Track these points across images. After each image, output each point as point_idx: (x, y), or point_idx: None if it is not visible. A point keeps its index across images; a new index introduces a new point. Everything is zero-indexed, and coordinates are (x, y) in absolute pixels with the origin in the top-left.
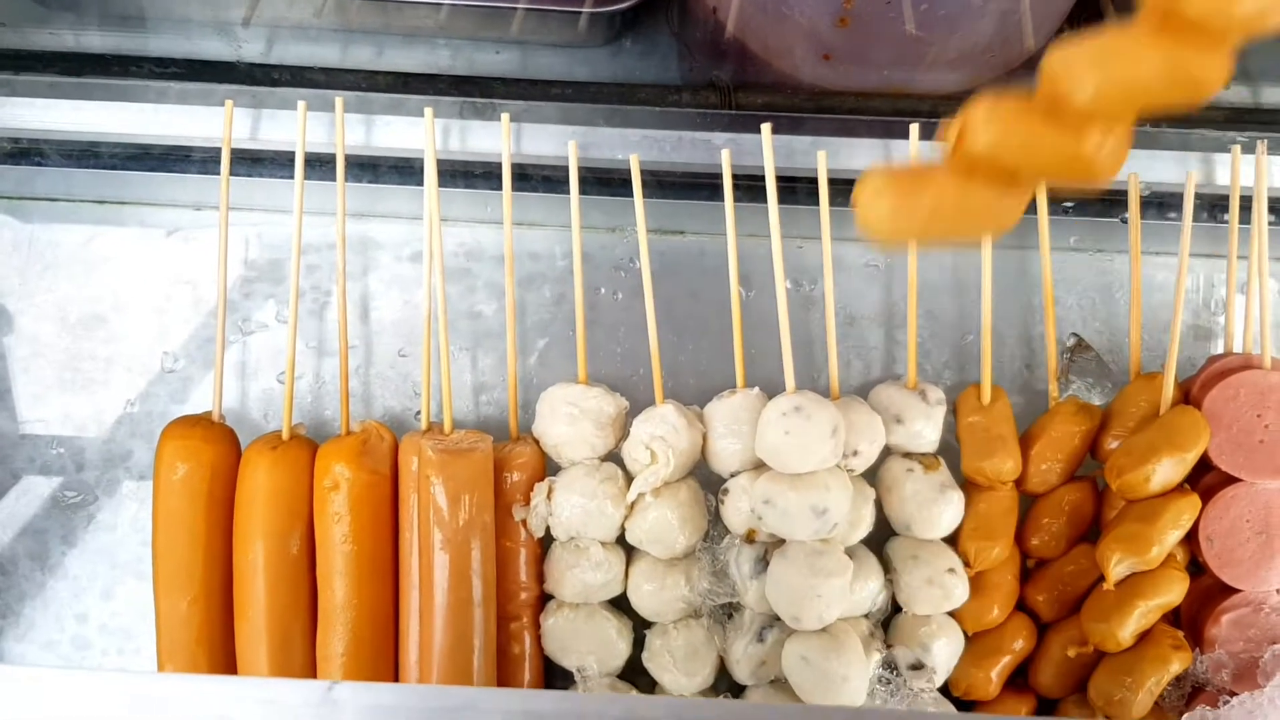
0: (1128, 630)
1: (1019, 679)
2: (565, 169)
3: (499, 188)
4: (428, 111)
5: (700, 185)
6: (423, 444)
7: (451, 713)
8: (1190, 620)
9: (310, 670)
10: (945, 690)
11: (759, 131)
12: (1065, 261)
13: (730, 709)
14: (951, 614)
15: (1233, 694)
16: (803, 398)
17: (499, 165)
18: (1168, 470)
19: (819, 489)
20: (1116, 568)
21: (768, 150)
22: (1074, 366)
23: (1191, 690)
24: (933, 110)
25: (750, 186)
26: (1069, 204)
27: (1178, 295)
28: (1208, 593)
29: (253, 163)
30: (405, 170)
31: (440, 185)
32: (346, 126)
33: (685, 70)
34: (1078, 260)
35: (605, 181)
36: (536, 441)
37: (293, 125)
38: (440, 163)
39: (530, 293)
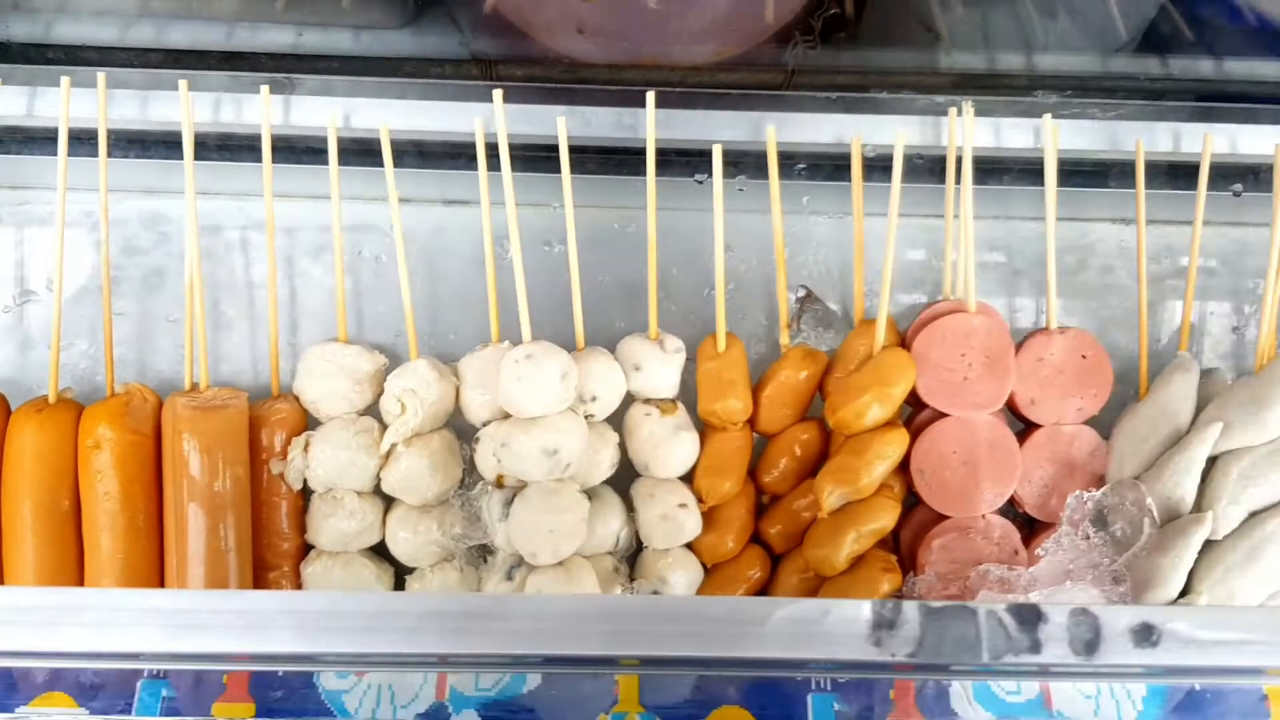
0: (842, 555)
1: None
2: (342, 141)
3: (281, 162)
4: (182, 84)
5: (464, 155)
6: (178, 402)
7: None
8: (910, 547)
9: None
10: None
11: (517, 102)
12: (809, 224)
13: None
14: (691, 548)
15: None
16: (535, 346)
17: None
18: (876, 406)
19: (550, 431)
20: (830, 497)
21: (500, 117)
22: (805, 316)
23: None
24: (682, 80)
25: (519, 156)
26: (802, 167)
27: (889, 249)
28: (923, 521)
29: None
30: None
31: (217, 160)
32: (121, 102)
33: (463, 48)
34: (819, 222)
35: (371, 153)
36: (297, 399)
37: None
38: (217, 137)
39: (311, 261)
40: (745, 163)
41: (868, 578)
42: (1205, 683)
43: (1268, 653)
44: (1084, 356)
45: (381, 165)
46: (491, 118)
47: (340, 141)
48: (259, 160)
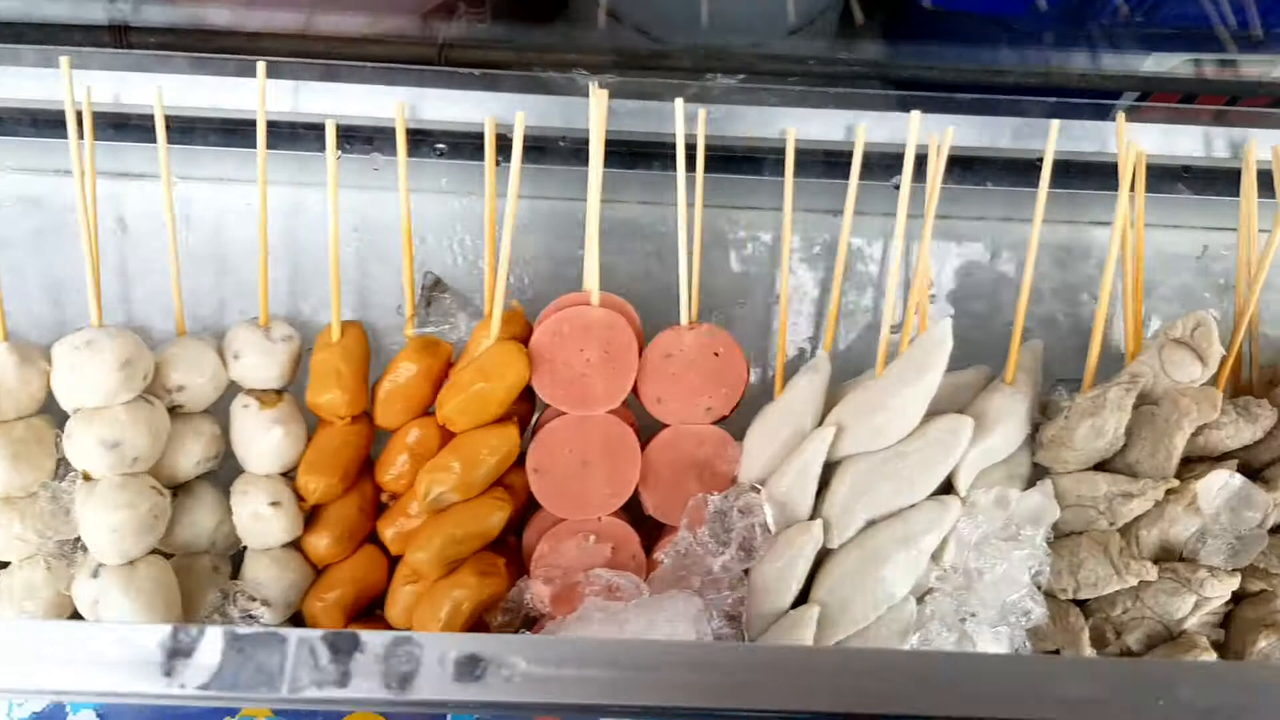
0: (439, 557)
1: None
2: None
3: None
4: None
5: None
6: None
7: None
8: (530, 550)
9: None
10: (298, 620)
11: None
12: (448, 206)
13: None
14: (299, 547)
15: (553, 616)
16: (97, 332)
17: None
18: (480, 402)
19: (111, 423)
20: (429, 498)
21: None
22: (432, 305)
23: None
24: (326, 52)
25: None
26: (443, 146)
27: (506, 233)
28: (544, 523)
29: None
30: None
31: None
32: None
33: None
34: (460, 204)
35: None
36: None
37: None
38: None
39: None
40: (381, 139)
41: (463, 583)
42: None
43: (606, 691)
44: (716, 354)
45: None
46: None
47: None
48: None
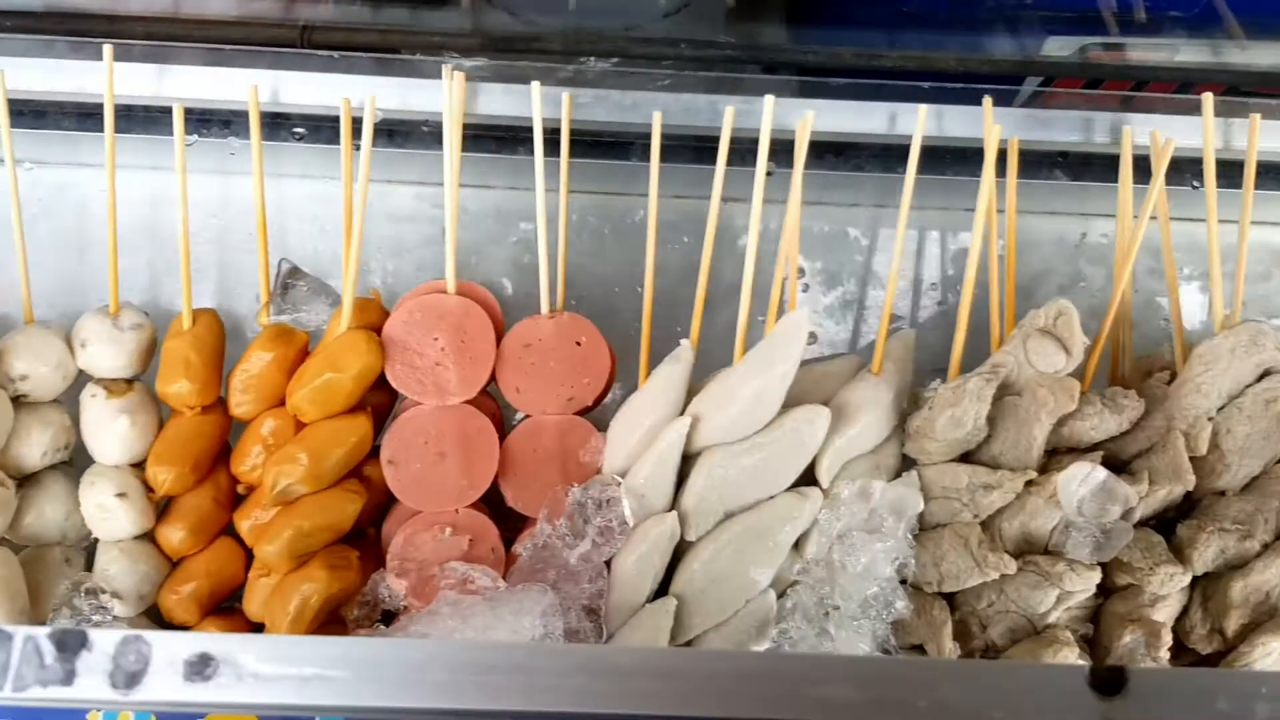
0: (288, 550)
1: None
2: None
3: None
4: None
5: None
6: None
7: None
8: (390, 540)
9: None
10: (156, 615)
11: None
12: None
13: None
14: (154, 539)
15: (408, 609)
16: None
17: None
18: (327, 392)
19: None
20: (276, 489)
21: None
22: (287, 293)
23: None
24: (185, 35)
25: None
26: (300, 131)
27: (356, 219)
28: (402, 516)
29: None
30: None
31: None
32: None
33: None
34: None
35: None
36: None
37: None
38: None
39: None
40: (239, 123)
41: (316, 577)
42: None
43: (340, 691)
44: (578, 343)
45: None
46: None
47: None
48: None
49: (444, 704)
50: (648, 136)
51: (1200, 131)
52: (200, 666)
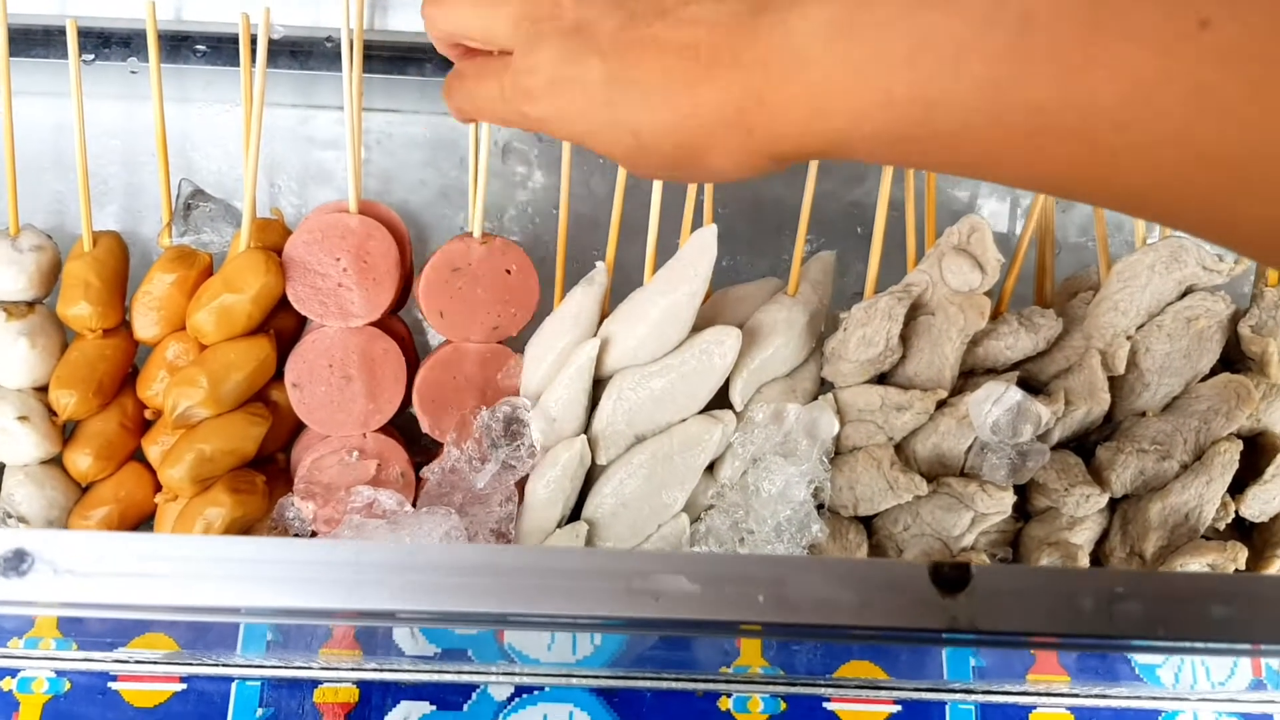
0: (191, 475)
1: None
2: None
3: None
4: None
5: None
6: None
7: None
8: (299, 464)
9: None
10: None
11: None
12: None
13: None
14: (62, 465)
15: (314, 533)
16: None
17: None
18: (223, 313)
19: None
20: (175, 413)
21: None
22: (191, 214)
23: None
24: None
25: None
26: (204, 49)
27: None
28: (310, 441)
29: None
30: None
31: None
32: None
33: None
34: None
35: None
36: None
37: None
38: None
39: None
40: (140, 42)
41: (220, 500)
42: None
43: (161, 589)
44: (508, 271)
45: None
46: None
47: None
48: None
49: (278, 602)
50: None
51: None
52: (16, 562)
